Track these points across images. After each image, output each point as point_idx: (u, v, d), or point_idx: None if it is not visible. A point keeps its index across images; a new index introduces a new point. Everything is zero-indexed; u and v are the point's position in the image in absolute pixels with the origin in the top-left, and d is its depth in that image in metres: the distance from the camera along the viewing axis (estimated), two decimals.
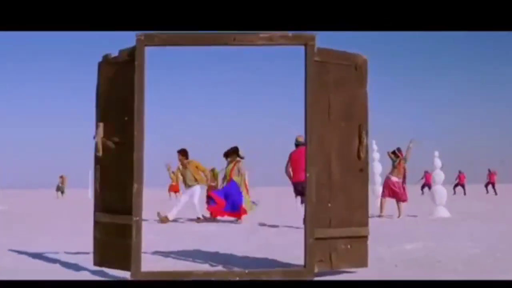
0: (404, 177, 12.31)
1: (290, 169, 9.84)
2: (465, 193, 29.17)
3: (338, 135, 4.58)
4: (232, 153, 11.67)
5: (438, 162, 12.79)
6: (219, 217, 11.63)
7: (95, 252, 4.78)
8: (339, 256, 4.56)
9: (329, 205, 4.51)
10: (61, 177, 33.02)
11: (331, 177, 4.54)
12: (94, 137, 4.79)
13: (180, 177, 12.16)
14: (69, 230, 9.42)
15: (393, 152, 12.27)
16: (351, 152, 4.64)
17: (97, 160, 4.78)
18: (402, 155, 12.18)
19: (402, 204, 11.89)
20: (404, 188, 12.13)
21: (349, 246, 4.59)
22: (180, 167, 11.96)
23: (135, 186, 4.35)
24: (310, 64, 4.46)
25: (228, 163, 11.67)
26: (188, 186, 11.83)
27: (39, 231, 9.34)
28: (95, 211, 4.80)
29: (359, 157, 4.66)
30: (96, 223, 4.77)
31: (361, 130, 4.66)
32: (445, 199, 12.44)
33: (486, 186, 30.68)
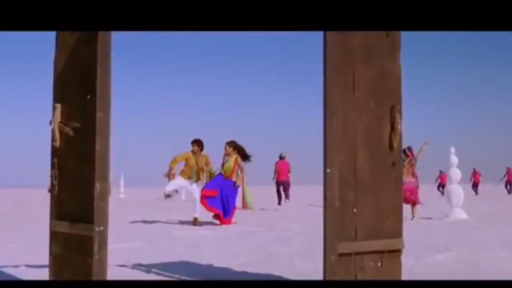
0: (416, 178, 11.25)
1: (276, 172, 16.35)
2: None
3: (365, 119, 3.52)
4: (237, 149, 10.64)
5: (454, 159, 11.69)
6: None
7: (50, 271, 3.71)
8: (367, 276, 3.49)
9: (355, 210, 3.44)
10: None
11: (356, 174, 3.47)
12: (50, 123, 3.73)
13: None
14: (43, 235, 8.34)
15: (403, 151, 11.17)
16: (382, 141, 3.58)
17: (54, 152, 3.71)
18: (412, 155, 11.11)
19: (417, 206, 10.83)
20: (416, 190, 11.08)
21: (379, 264, 3.53)
22: (195, 157, 10.63)
23: (98, 185, 3.27)
24: None
25: (228, 159, 10.60)
26: (191, 180, 10.67)
27: (7, 237, 8.25)
28: (51, 218, 3.74)
29: (391, 147, 3.60)
30: (52, 233, 3.71)
31: (394, 112, 3.59)
32: (462, 199, 11.36)
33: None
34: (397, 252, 3.61)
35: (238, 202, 11.13)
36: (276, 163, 16.49)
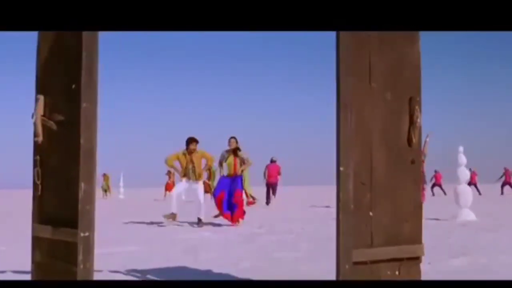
0: (422, 175, 10.91)
1: (267, 174, 17.99)
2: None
3: (382, 111, 3.16)
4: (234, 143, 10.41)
5: (462, 159, 11.33)
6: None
7: (32, 280, 3.36)
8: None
9: (371, 213, 3.09)
10: None
11: (372, 173, 3.12)
12: (32, 116, 3.38)
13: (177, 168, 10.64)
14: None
15: None
16: (400, 137, 3.23)
17: (37, 148, 3.36)
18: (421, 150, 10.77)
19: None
20: (423, 188, 10.74)
21: (397, 273, 3.17)
22: (186, 156, 10.33)
23: (83, 186, 2.91)
24: None
25: (228, 155, 10.31)
26: (189, 179, 10.37)
27: None
28: (33, 221, 3.38)
29: (410, 143, 3.25)
30: (34, 239, 3.36)
31: (413, 104, 3.25)
32: (470, 200, 11.00)
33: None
34: (416, 259, 3.26)
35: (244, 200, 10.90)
36: (267, 166, 18.22)
